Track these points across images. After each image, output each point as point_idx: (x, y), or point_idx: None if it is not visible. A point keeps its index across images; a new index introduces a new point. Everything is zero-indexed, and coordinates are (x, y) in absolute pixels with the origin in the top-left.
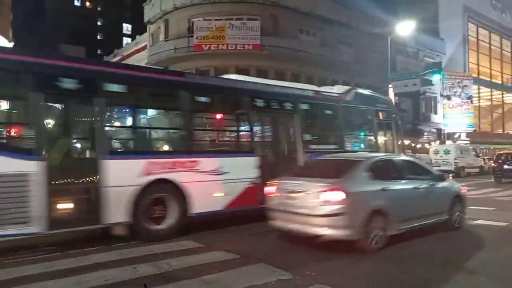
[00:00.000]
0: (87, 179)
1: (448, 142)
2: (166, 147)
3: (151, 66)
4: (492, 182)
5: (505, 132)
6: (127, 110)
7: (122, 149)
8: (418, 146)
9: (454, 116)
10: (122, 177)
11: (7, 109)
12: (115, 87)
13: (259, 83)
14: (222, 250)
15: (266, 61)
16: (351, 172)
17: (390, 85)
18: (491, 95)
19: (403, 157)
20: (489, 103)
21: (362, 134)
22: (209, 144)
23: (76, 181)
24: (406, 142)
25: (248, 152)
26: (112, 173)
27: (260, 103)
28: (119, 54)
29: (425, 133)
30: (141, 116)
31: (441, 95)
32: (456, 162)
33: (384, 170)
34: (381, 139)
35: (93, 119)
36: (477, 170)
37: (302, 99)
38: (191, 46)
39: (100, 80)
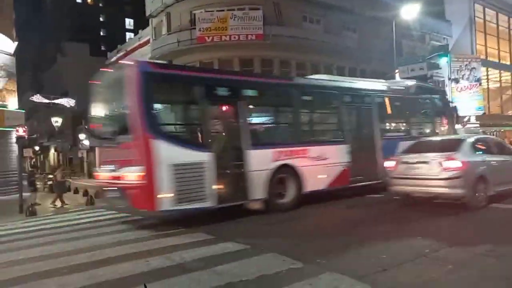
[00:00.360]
0: (238, 165)
1: (457, 126)
2: (286, 139)
3: (270, 74)
4: None
5: None
6: (260, 110)
7: (259, 142)
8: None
9: (463, 100)
10: (261, 163)
11: (189, 114)
12: (251, 92)
13: (346, 81)
14: (233, 241)
15: (270, 51)
16: (461, 147)
17: (396, 70)
18: (500, 77)
19: (491, 137)
20: (498, 85)
21: (426, 121)
22: (314, 135)
23: (231, 167)
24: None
25: (342, 141)
26: (254, 160)
27: (347, 98)
28: (122, 49)
29: None
30: (269, 114)
31: (449, 78)
32: None
33: (481, 147)
34: (440, 124)
35: (238, 118)
36: None
37: (378, 94)
38: (194, 39)
39: (243, 88)
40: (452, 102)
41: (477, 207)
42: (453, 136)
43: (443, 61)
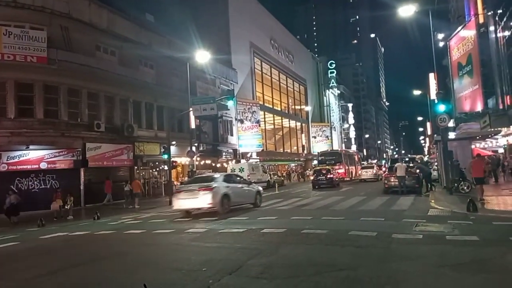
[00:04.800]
0: None
1: (242, 161)
2: None
3: None
4: (275, 194)
5: (285, 151)
6: None
7: None
8: (218, 165)
9: (246, 138)
10: None
11: None
12: None
13: None
14: None
15: (56, 77)
16: (215, 179)
17: (190, 108)
18: (274, 120)
19: (234, 173)
20: (272, 126)
21: None
22: None
23: None
24: (208, 162)
25: None
26: None
27: None
28: None
29: (224, 153)
30: None
31: (236, 119)
32: (249, 178)
33: (228, 178)
34: None
35: None
36: (265, 184)
37: None
38: None
39: None
40: None
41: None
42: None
43: (230, 103)
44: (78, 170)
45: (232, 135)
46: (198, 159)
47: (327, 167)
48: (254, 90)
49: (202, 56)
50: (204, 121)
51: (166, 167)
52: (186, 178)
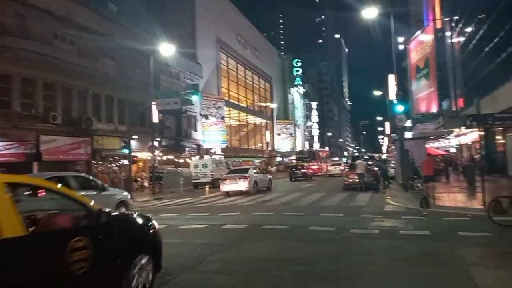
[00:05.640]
0: None
1: (206, 157)
2: None
3: None
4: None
5: (249, 147)
6: None
7: None
8: (181, 161)
9: (211, 133)
10: None
11: None
12: None
13: None
14: None
15: (9, 65)
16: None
17: (153, 102)
18: (239, 116)
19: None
20: (237, 122)
21: None
22: None
23: None
24: (171, 157)
25: None
26: None
27: None
28: None
29: (187, 149)
30: None
31: (200, 114)
32: (212, 174)
33: (255, 170)
34: None
35: None
36: None
37: None
38: None
39: None
40: None
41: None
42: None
43: (194, 98)
44: (30, 164)
45: (196, 130)
46: (160, 154)
47: (303, 163)
48: (219, 85)
49: (167, 49)
50: (167, 116)
51: (126, 162)
52: (145, 174)
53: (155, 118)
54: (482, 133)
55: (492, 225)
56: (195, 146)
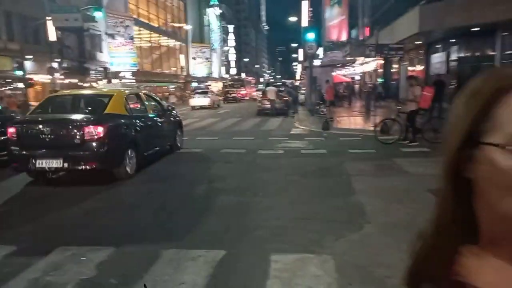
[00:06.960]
0: None
1: (115, 81)
2: None
3: None
4: None
5: (163, 71)
6: None
7: None
8: (86, 85)
9: (119, 55)
10: None
11: None
12: None
13: None
14: None
15: None
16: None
17: (48, 17)
18: (150, 37)
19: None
20: (149, 44)
21: None
22: None
23: None
24: (74, 81)
25: None
26: None
27: None
28: None
29: (92, 72)
30: None
31: (106, 33)
32: None
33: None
34: None
35: None
36: None
37: None
38: None
39: None
40: None
41: None
42: None
43: (98, 15)
44: None
45: (101, 51)
46: (62, 77)
47: (234, 89)
48: (127, 2)
49: None
50: (67, 33)
51: (22, 85)
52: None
53: (52, 36)
54: (382, 62)
55: (376, 143)
56: (101, 68)
